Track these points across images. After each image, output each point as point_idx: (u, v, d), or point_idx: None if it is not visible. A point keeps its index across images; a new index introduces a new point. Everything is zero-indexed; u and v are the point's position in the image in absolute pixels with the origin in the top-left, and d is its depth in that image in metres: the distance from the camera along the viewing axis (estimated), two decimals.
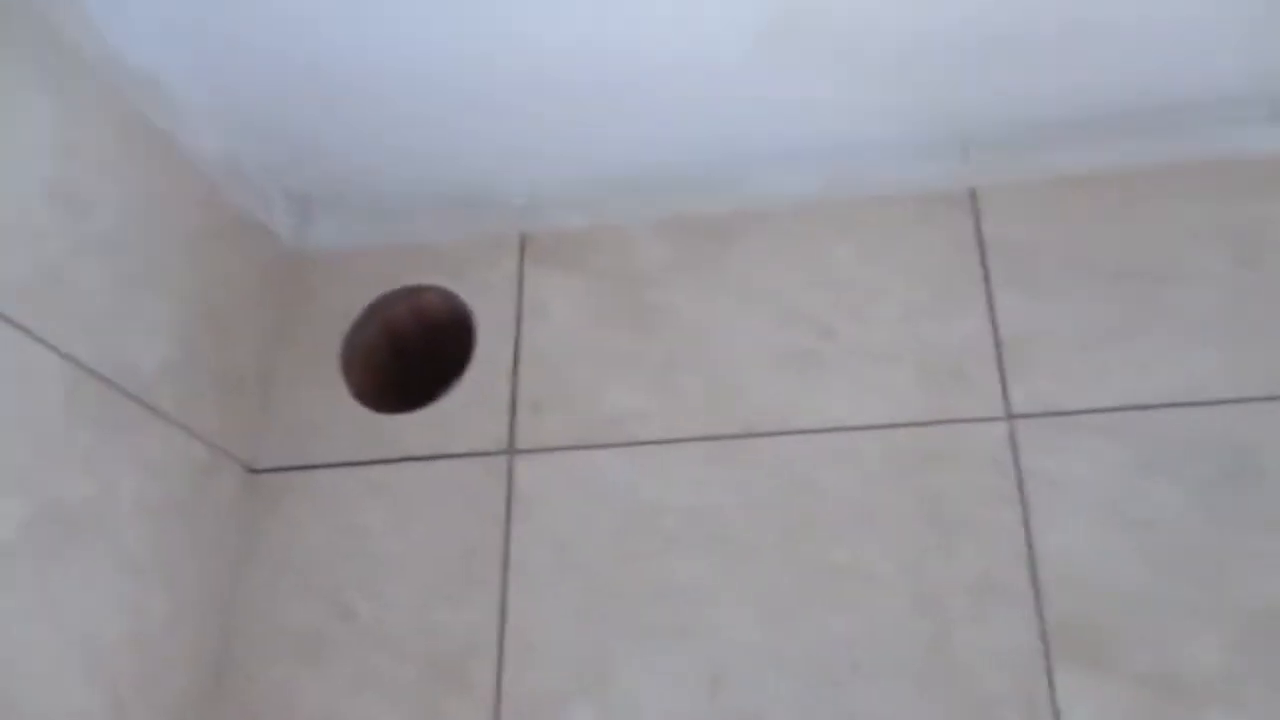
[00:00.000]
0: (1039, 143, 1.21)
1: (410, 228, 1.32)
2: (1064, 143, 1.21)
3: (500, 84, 1.14)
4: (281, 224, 1.31)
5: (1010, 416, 1.09)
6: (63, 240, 0.96)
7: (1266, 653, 0.95)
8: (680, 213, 1.25)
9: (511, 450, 1.17)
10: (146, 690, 1.00)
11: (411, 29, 1.07)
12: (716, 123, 1.20)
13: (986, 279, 1.16)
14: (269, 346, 1.27)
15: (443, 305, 1.31)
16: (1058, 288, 1.14)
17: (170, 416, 1.08)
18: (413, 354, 1.36)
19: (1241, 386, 1.06)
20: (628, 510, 1.11)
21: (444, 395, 1.23)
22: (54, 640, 0.90)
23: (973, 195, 1.21)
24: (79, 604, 0.94)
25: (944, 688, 0.99)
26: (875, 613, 1.02)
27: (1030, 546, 1.03)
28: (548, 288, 1.25)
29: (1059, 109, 1.20)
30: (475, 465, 1.16)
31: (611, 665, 1.05)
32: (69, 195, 0.97)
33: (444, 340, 1.34)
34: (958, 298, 1.15)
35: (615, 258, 1.25)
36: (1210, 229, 1.13)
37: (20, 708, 0.86)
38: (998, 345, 1.13)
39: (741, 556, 1.06)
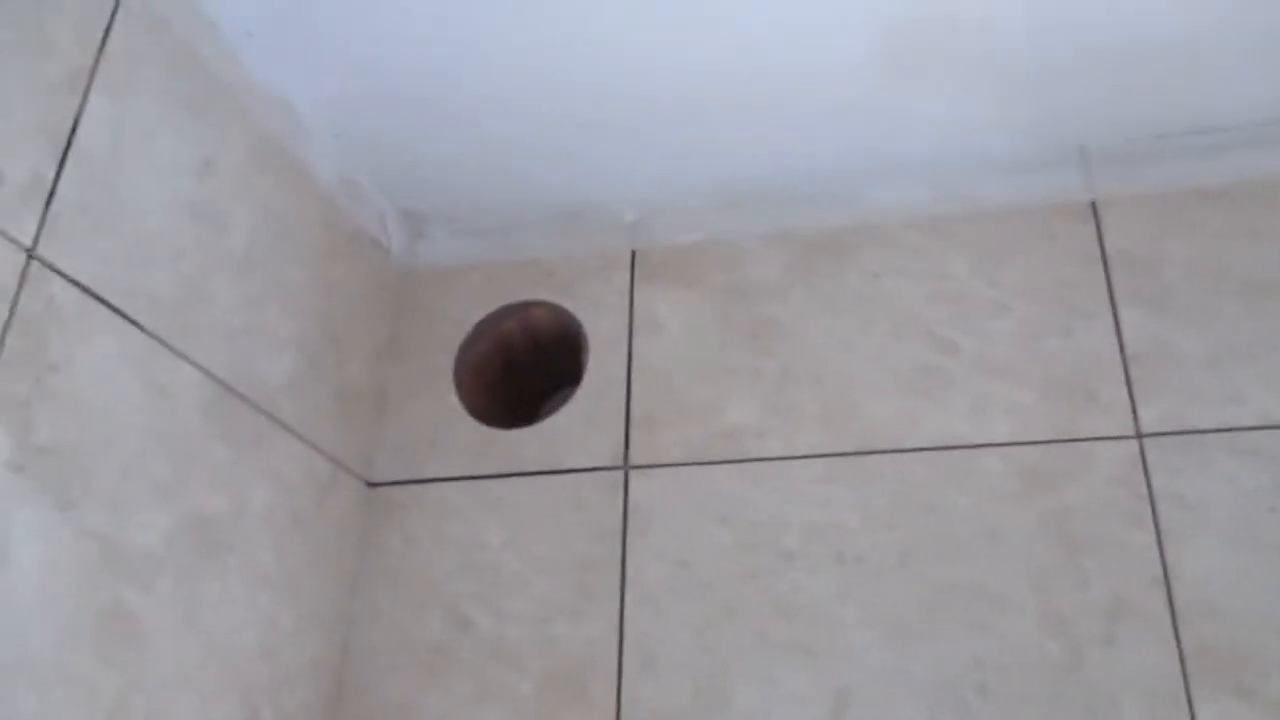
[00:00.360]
0: (1162, 154, 1.19)
1: (521, 244, 1.33)
2: (1188, 154, 1.18)
3: (611, 101, 1.15)
4: (394, 241, 1.33)
5: (1140, 435, 1.07)
6: (201, 257, 0.98)
7: None
8: (793, 227, 1.25)
9: (626, 465, 1.17)
10: (277, 701, 1.02)
11: (523, 52, 1.09)
12: (831, 136, 1.19)
13: (1111, 294, 1.14)
14: (383, 362, 1.29)
15: (552, 320, 1.32)
16: (1186, 303, 1.11)
17: (295, 430, 1.10)
18: (522, 369, 1.37)
19: None
20: (746, 526, 1.10)
21: (558, 410, 1.24)
22: (194, 650, 0.92)
23: (1094, 208, 1.19)
24: (217, 615, 0.96)
25: (1076, 713, 0.97)
26: (1004, 634, 1.00)
27: (1165, 569, 1.00)
28: (660, 303, 1.25)
29: (1182, 119, 1.17)
30: (590, 480, 1.17)
31: (732, 683, 1.04)
32: (207, 213, 1.00)
33: (553, 355, 1.35)
34: (1081, 313, 1.13)
35: (728, 272, 1.24)
36: None
37: (162, 715, 0.88)
38: (1125, 362, 1.10)
39: (864, 575, 1.05)
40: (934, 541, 1.05)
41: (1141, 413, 1.07)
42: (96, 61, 0.88)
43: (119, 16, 0.91)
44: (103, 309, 0.86)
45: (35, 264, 0.80)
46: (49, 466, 0.79)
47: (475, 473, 1.21)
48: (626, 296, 1.27)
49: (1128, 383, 1.09)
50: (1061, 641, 0.99)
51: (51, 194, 0.82)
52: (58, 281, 0.82)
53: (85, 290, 0.84)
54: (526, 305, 1.32)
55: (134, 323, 0.89)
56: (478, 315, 1.31)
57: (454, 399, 1.27)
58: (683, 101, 1.15)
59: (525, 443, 1.21)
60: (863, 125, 1.18)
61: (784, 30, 1.06)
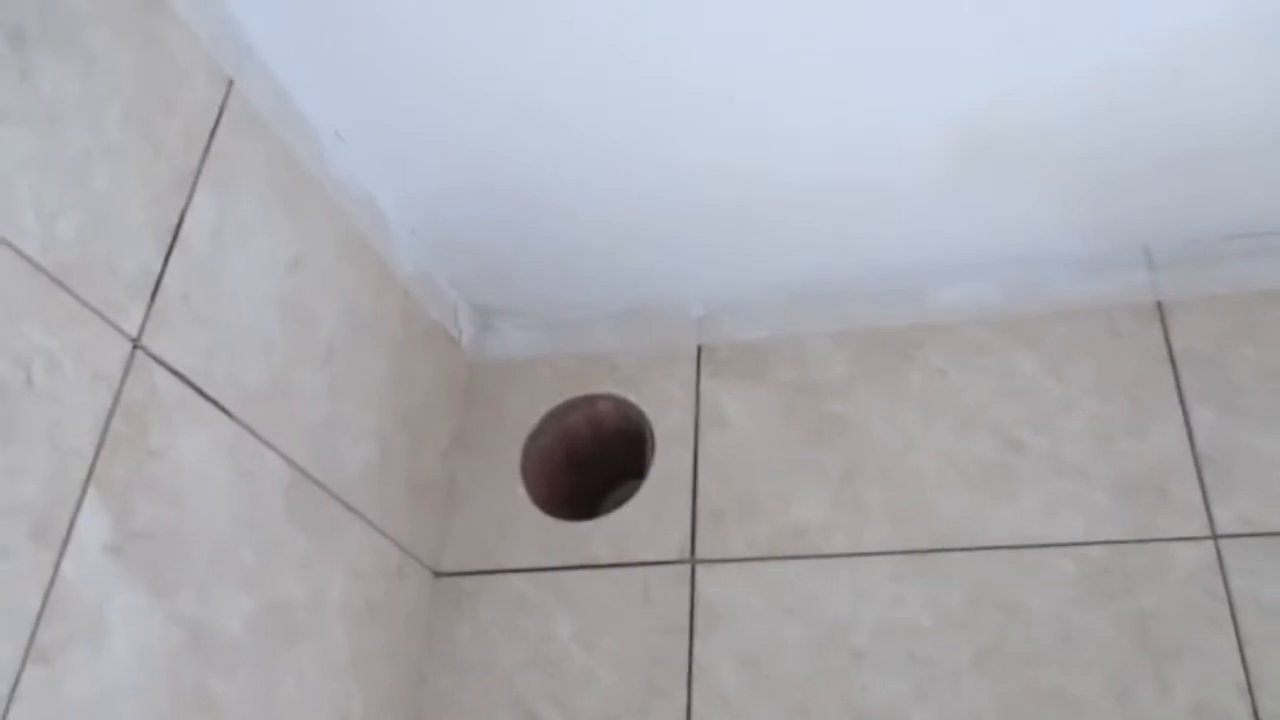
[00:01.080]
0: (1227, 255, 1.20)
1: (587, 338, 1.36)
2: (1254, 255, 1.19)
3: (680, 204, 1.18)
4: (465, 334, 1.36)
5: (1215, 536, 1.05)
6: (289, 349, 1.02)
7: None
8: (859, 324, 1.26)
9: (694, 559, 1.17)
10: None
11: (594, 157, 1.13)
12: (897, 236, 1.22)
13: (1180, 393, 1.14)
14: (452, 453, 1.31)
15: (617, 414, 1.34)
16: (1257, 403, 1.11)
17: (370, 519, 1.11)
18: (586, 462, 1.38)
19: None
20: (816, 623, 1.09)
21: (622, 503, 1.25)
22: None
23: (1160, 308, 1.19)
24: (292, 702, 0.96)
25: None
26: None
27: (1247, 674, 0.98)
28: (726, 398, 1.26)
29: (1246, 221, 1.19)
30: (658, 574, 1.17)
31: None
32: (296, 306, 1.03)
33: (617, 449, 1.36)
34: (1151, 412, 1.13)
35: (793, 368, 1.26)
36: None
37: None
38: (1197, 462, 1.09)
39: (938, 676, 1.04)
40: (1008, 643, 1.04)
41: (1216, 513, 1.06)
42: (202, 162, 0.93)
43: (224, 118, 0.95)
44: (199, 398, 0.89)
45: (140, 354, 0.83)
46: (145, 551, 0.81)
47: (543, 564, 1.21)
48: (692, 391, 1.28)
49: (1201, 483, 1.08)
50: None
51: (157, 287, 0.86)
52: (159, 371, 0.85)
53: (184, 380, 0.87)
54: (592, 399, 1.34)
55: (226, 412, 0.92)
56: (544, 408, 1.34)
57: (521, 490, 1.28)
58: (750, 205, 1.18)
59: (592, 535, 1.22)
60: (930, 225, 1.20)
61: (853, 142, 1.09)
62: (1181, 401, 1.13)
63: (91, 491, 0.77)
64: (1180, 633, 1.01)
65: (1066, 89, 1.02)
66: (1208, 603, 1.02)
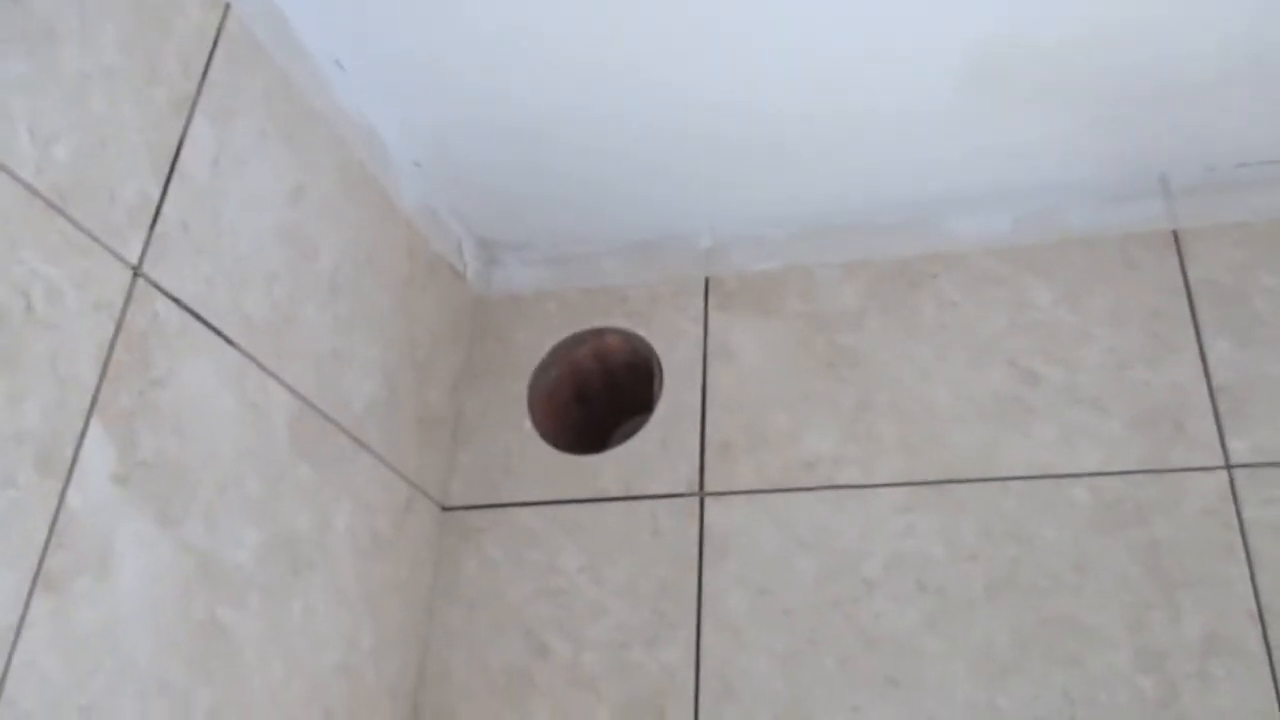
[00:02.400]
0: (1245, 184, 1.17)
1: (594, 271, 1.34)
2: (1272, 183, 1.17)
3: (687, 134, 1.16)
4: (470, 268, 1.34)
5: (1229, 466, 1.04)
6: (292, 280, 1.00)
7: None
8: (870, 255, 1.24)
9: (702, 492, 1.16)
10: None
11: (600, 88, 1.11)
12: (908, 165, 1.19)
13: (1196, 324, 1.12)
14: (459, 387, 1.30)
15: (624, 347, 1.33)
16: (1274, 333, 1.10)
17: (377, 453, 1.11)
18: (594, 395, 1.37)
19: None
20: (827, 555, 1.09)
21: (630, 437, 1.24)
22: (280, 667, 0.93)
23: (1176, 237, 1.17)
24: (301, 632, 0.96)
25: None
26: (1095, 669, 0.98)
27: (1259, 602, 0.98)
28: (734, 330, 1.25)
29: (1263, 148, 1.16)
30: (666, 507, 1.17)
31: (814, 713, 1.02)
32: (298, 238, 1.01)
33: (626, 382, 1.35)
34: (1166, 343, 1.12)
35: (803, 300, 1.24)
36: None
37: None
38: (1212, 392, 1.08)
39: (950, 606, 1.04)
40: (1021, 573, 1.04)
41: (1230, 443, 1.05)
42: (200, 87, 0.90)
43: (220, 44, 0.93)
44: (201, 327, 0.88)
45: (141, 282, 0.82)
46: (151, 480, 0.81)
47: (550, 498, 1.21)
48: (701, 324, 1.27)
49: (1215, 413, 1.07)
50: (1155, 678, 0.97)
51: (156, 215, 0.84)
52: (161, 299, 0.84)
53: (186, 308, 0.86)
54: (600, 332, 1.33)
55: (230, 341, 0.91)
56: (551, 342, 1.32)
57: (528, 425, 1.27)
58: (758, 133, 1.16)
59: (600, 468, 1.21)
60: (941, 154, 1.18)
61: (861, 62, 1.06)
62: (1197, 332, 1.11)
63: (95, 420, 0.76)
64: (1193, 562, 1.01)
65: (1079, 14, 1.00)
66: (1221, 532, 1.02)
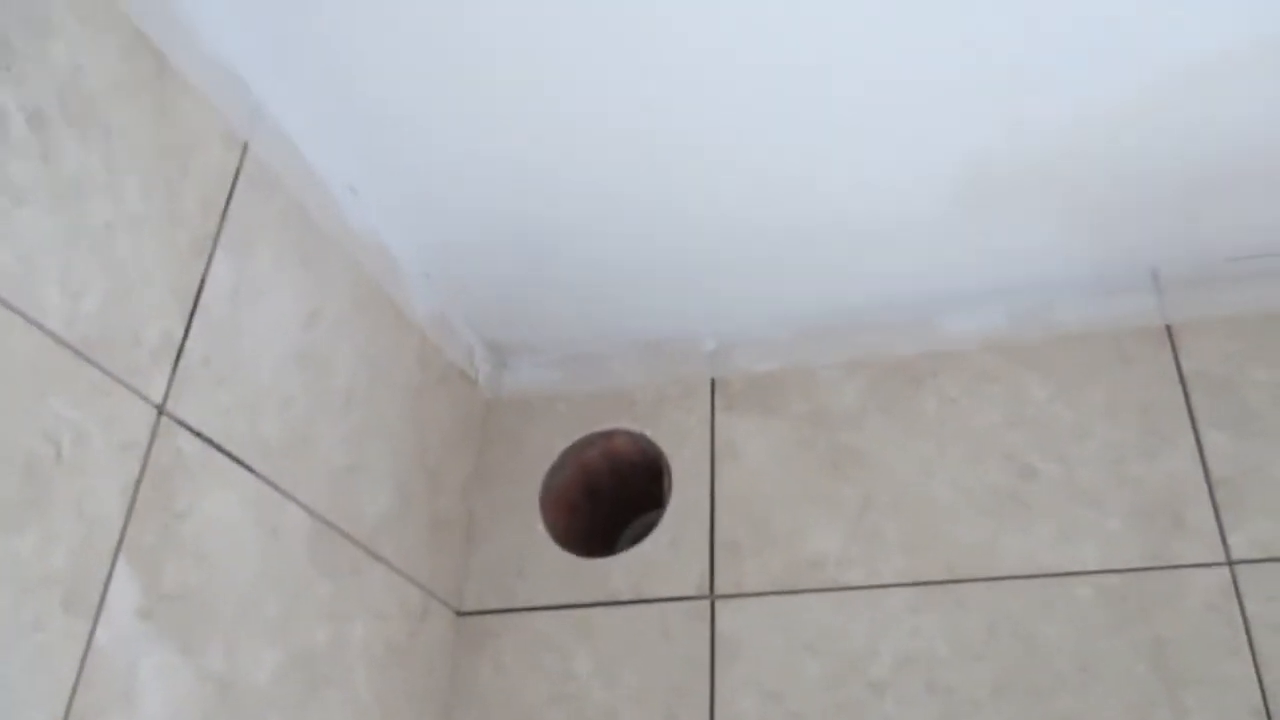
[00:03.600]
0: (1235, 277, 1.20)
1: (602, 373, 1.37)
2: (1262, 276, 1.20)
3: (690, 243, 1.20)
4: (481, 373, 1.38)
5: (1231, 562, 1.06)
6: (308, 402, 1.04)
7: None
8: (870, 354, 1.27)
9: (713, 595, 1.18)
10: None
11: (605, 202, 1.15)
12: (905, 269, 1.23)
13: (1192, 417, 1.14)
14: (471, 491, 1.33)
15: (633, 448, 1.36)
16: (1269, 425, 1.12)
17: (391, 563, 1.13)
18: (604, 494, 1.40)
19: None
20: (835, 656, 1.11)
21: (641, 537, 1.26)
22: None
23: (1169, 331, 1.20)
24: None
25: None
26: None
27: (1265, 700, 0.99)
28: (740, 431, 1.28)
29: (1252, 243, 1.19)
30: (677, 610, 1.18)
31: None
32: (314, 359, 1.05)
33: (635, 482, 1.38)
34: (1163, 436, 1.14)
35: (806, 400, 1.27)
36: None
37: None
38: (1210, 486, 1.10)
39: (957, 706, 1.05)
40: (1027, 672, 1.05)
41: (1231, 538, 1.07)
42: (220, 225, 0.95)
43: (240, 181, 0.98)
44: (222, 457, 0.91)
45: (165, 419, 0.85)
46: (174, 612, 0.83)
47: (563, 601, 1.23)
48: (708, 424, 1.30)
49: (1214, 507, 1.09)
50: None
51: (179, 353, 0.88)
52: (183, 434, 0.87)
53: (208, 441, 0.90)
54: (609, 434, 1.35)
55: (249, 468, 0.94)
56: (562, 444, 1.35)
57: (540, 527, 1.30)
58: (759, 244, 1.20)
59: (611, 571, 1.23)
60: (938, 257, 1.21)
61: (858, 179, 1.11)
62: (1193, 425, 1.14)
63: (122, 558, 0.79)
64: (1197, 659, 1.02)
65: (1071, 124, 1.04)
66: (1224, 629, 1.03)
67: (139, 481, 0.82)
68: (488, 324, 1.36)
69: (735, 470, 1.25)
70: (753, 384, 1.30)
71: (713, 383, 1.32)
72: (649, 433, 1.32)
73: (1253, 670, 1.00)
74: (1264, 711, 0.98)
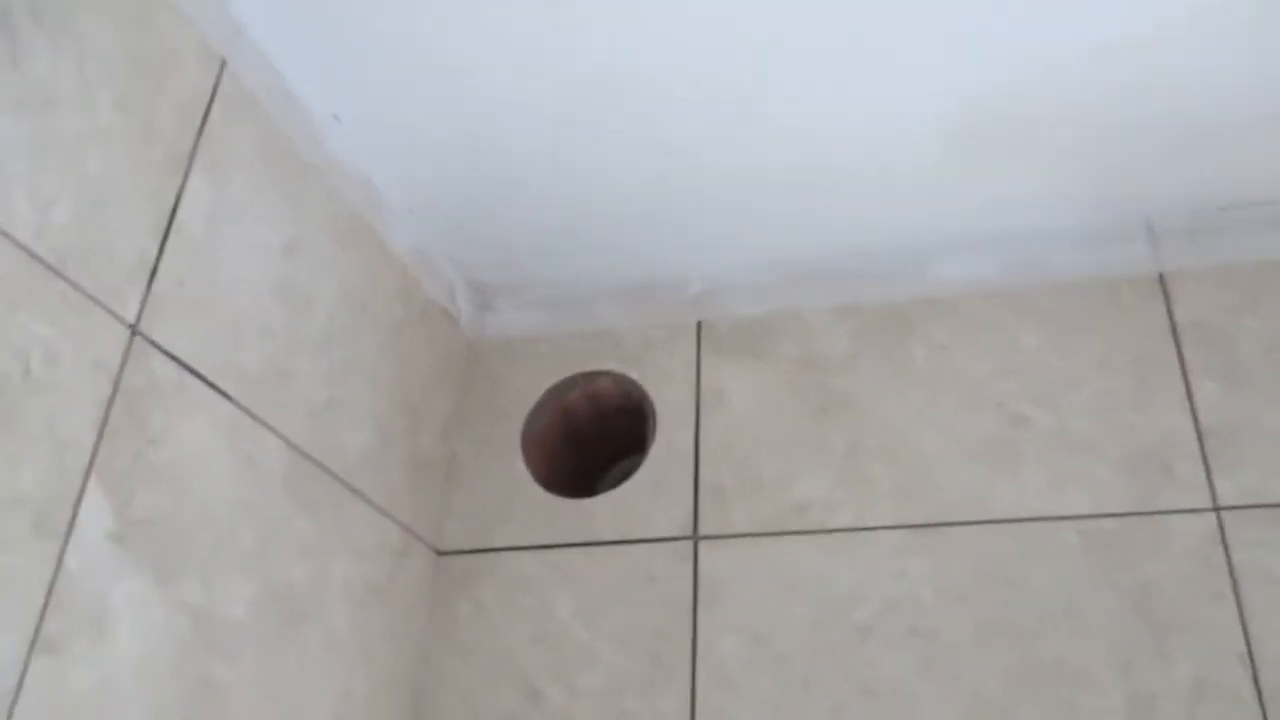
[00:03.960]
0: (1229, 226, 1.19)
1: (586, 315, 1.35)
2: (1256, 226, 1.18)
3: (678, 182, 1.18)
4: (463, 312, 1.35)
5: (1218, 508, 1.06)
6: (287, 333, 1.01)
7: None
8: (860, 300, 1.26)
9: (696, 536, 1.17)
10: None
11: (592, 138, 1.12)
12: (897, 214, 1.21)
13: (1183, 366, 1.13)
14: (452, 431, 1.30)
15: (616, 390, 1.34)
16: (1260, 375, 1.11)
17: (371, 500, 1.11)
18: (586, 437, 1.38)
19: None
20: (819, 599, 1.10)
21: (622, 480, 1.25)
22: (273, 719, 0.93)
23: (1162, 280, 1.19)
24: (296, 684, 0.96)
25: None
26: (1087, 714, 0.99)
27: (1249, 646, 0.99)
28: (726, 374, 1.26)
29: (1247, 192, 1.18)
30: (660, 551, 1.17)
31: None
32: (292, 288, 1.02)
33: (617, 425, 1.36)
34: (1154, 386, 1.13)
35: (794, 345, 1.25)
36: None
37: None
38: (1199, 435, 1.09)
39: (942, 650, 1.04)
40: (1012, 616, 1.04)
41: (1219, 486, 1.06)
42: (195, 145, 0.91)
43: (216, 100, 0.94)
44: (197, 383, 0.88)
45: (138, 340, 0.83)
46: (147, 539, 0.81)
47: (544, 542, 1.21)
48: (693, 367, 1.28)
49: (1204, 456, 1.08)
50: None
51: (154, 272, 0.85)
52: (157, 357, 0.84)
53: (183, 365, 0.87)
54: (592, 375, 1.33)
55: (225, 395, 0.91)
56: (544, 385, 1.33)
57: (522, 468, 1.28)
58: (748, 184, 1.17)
59: (594, 512, 1.22)
60: (929, 205, 1.19)
61: (848, 123, 1.08)
62: (1184, 375, 1.13)
63: (93, 481, 0.76)
64: (1182, 605, 1.02)
65: (1063, 67, 1.01)
66: (1209, 575, 1.02)
67: (110, 403, 0.79)
68: (471, 263, 1.33)
69: (721, 413, 1.24)
70: (740, 328, 1.29)
71: (699, 325, 1.30)
72: (634, 375, 1.30)
73: (1237, 616, 1.00)
74: (1248, 657, 0.98)
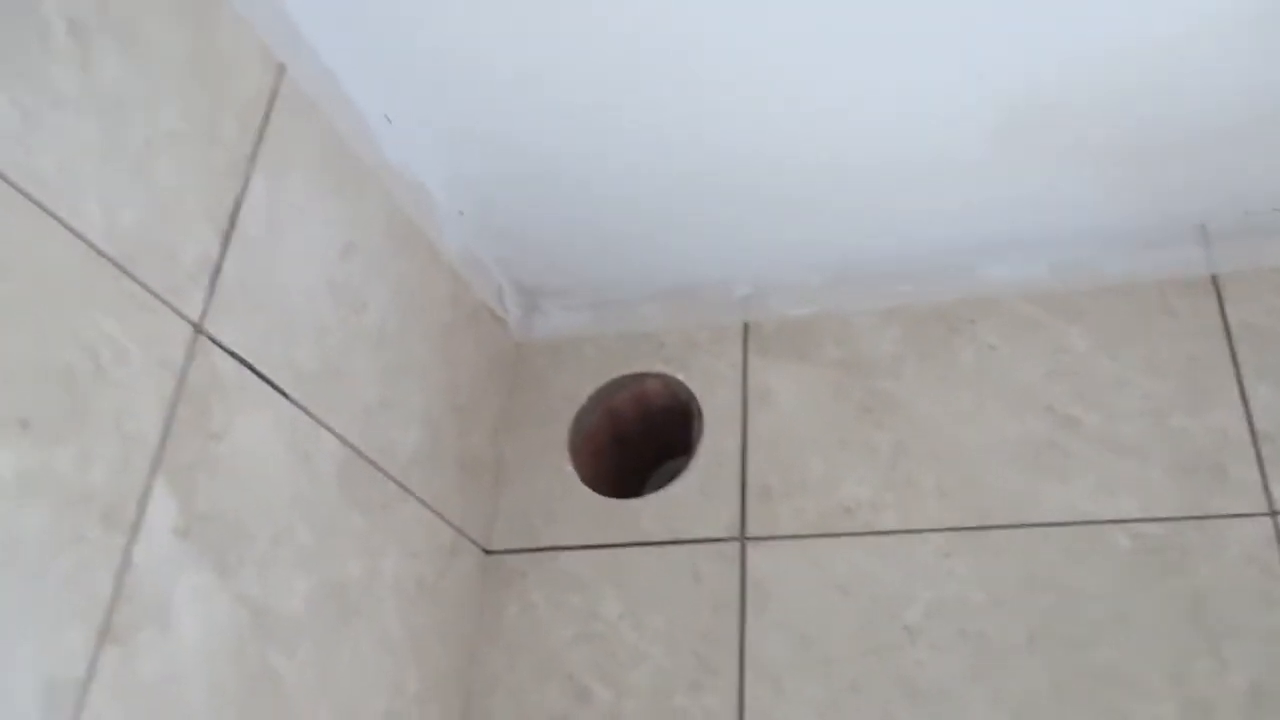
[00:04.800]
0: None
1: (633, 317, 1.36)
2: None
3: (726, 183, 1.18)
4: (511, 314, 1.36)
5: (1275, 513, 1.04)
6: (342, 332, 1.03)
7: None
8: (906, 301, 1.25)
9: (743, 537, 1.17)
10: None
11: (639, 138, 1.13)
12: (945, 214, 1.20)
13: (1237, 369, 1.12)
14: (500, 432, 1.32)
15: (664, 392, 1.34)
16: None
17: (422, 499, 1.13)
18: (633, 439, 1.39)
19: None
20: (867, 601, 1.10)
21: (669, 481, 1.25)
22: (329, 713, 0.94)
23: (1215, 282, 1.18)
24: (349, 679, 0.98)
25: None
26: None
27: None
28: (773, 376, 1.26)
29: None
30: (707, 551, 1.17)
31: None
32: (347, 290, 1.04)
33: (664, 427, 1.37)
34: (1207, 388, 1.12)
35: (841, 346, 1.25)
36: None
37: None
38: (1254, 438, 1.08)
39: (991, 654, 1.04)
40: (1062, 621, 1.04)
41: (1274, 490, 1.05)
42: (256, 148, 0.93)
43: (276, 104, 0.96)
44: (257, 380, 0.90)
45: (201, 338, 0.84)
46: (210, 532, 0.83)
47: (592, 542, 1.22)
48: (739, 369, 1.28)
49: (1259, 460, 1.07)
50: None
51: (217, 272, 0.87)
52: (219, 354, 0.86)
53: (243, 362, 0.89)
54: (639, 377, 1.34)
55: (283, 393, 0.93)
56: (591, 387, 1.34)
57: (569, 469, 1.29)
58: (793, 187, 1.18)
59: (641, 512, 1.23)
60: (977, 202, 1.19)
61: (895, 119, 1.08)
62: (1238, 378, 1.12)
63: (160, 476, 0.78)
64: (1237, 611, 1.00)
65: (1114, 63, 1.01)
66: (1265, 580, 1.01)
67: (175, 399, 0.81)
68: (519, 265, 1.35)
69: (767, 415, 1.24)
70: (786, 329, 1.29)
71: (745, 327, 1.31)
72: (680, 376, 1.31)
73: None
74: None
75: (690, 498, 1.22)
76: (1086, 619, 1.03)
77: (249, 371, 0.89)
